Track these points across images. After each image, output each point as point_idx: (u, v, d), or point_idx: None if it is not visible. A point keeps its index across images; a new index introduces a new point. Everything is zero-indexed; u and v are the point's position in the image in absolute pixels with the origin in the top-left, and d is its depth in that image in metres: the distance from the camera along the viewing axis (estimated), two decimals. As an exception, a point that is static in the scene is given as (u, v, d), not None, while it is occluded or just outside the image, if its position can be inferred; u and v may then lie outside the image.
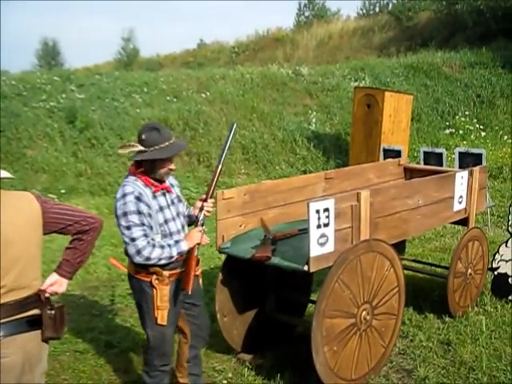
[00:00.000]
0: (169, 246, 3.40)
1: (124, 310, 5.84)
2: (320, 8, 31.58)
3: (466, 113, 15.60)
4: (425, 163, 8.52)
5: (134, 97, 13.94)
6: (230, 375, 4.39)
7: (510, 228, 7.15)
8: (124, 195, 3.36)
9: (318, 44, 26.20)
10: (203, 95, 14.46)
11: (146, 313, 3.57)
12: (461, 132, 14.77)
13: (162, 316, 3.50)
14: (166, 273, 3.46)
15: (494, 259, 5.84)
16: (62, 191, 10.54)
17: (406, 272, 5.44)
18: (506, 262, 5.73)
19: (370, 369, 4.24)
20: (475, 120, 15.26)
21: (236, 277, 4.47)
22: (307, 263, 3.72)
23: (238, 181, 11.44)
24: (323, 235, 3.73)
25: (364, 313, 4.06)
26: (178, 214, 3.61)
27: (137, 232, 3.31)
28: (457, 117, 15.42)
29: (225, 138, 3.76)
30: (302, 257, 3.77)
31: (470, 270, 5.50)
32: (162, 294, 3.47)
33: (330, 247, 3.80)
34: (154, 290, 3.47)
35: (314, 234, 3.67)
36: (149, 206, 3.39)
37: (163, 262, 3.39)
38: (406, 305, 4.72)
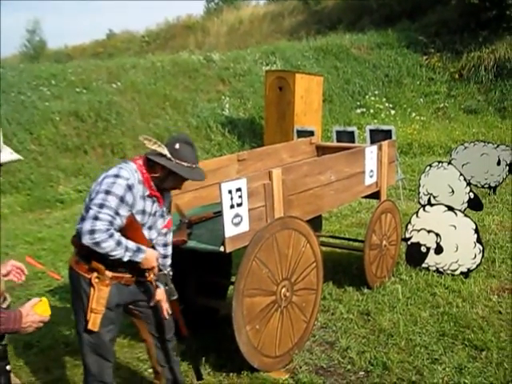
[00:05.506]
0: (126, 248, 3.01)
1: (42, 308, 5.64)
2: (230, -6, 31.46)
3: (376, 92, 16.08)
4: (338, 142, 8.72)
5: (41, 90, 13.44)
6: (154, 363, 4.33)
7: (420, 200, 7.45)
8: (117, 175, 3.02)
9: (229, 30, 26.15)
10: (114, 85, 14.17)
11: (78, 314, 3.17)
12: (371, 111, 15.23)
13: (95, 321, 3.09)
14: (108, 273, 3.11)
15: (406, 230, 6.04)
16: (-30, 192, 10.05)
17: (324, 248, 5.54)
18: (418, 231, 5.93)
19: (293, 344, 4.29)
20: (384, 99, 15.77)
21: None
22: (223, 244, 3.71)
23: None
24: (237, 215, 3.73)
25: (283, 290, 4.09)
26: (150, 227, 3.26)
27: (105, 214, 2.93)
28: (367, 96, 15.88)
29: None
30: (218, 238, 3.75)
31: (384, 242, 5.66)
32: (100, 295, 3.09)
33: (244, 227, 3.80)
34: (92, 290, 3.09)
35: (228, 214, 3.66)
36: (135, 201, 3.07)
37: (110, 258, 3.00)
38: (325, 280, 4.82)
